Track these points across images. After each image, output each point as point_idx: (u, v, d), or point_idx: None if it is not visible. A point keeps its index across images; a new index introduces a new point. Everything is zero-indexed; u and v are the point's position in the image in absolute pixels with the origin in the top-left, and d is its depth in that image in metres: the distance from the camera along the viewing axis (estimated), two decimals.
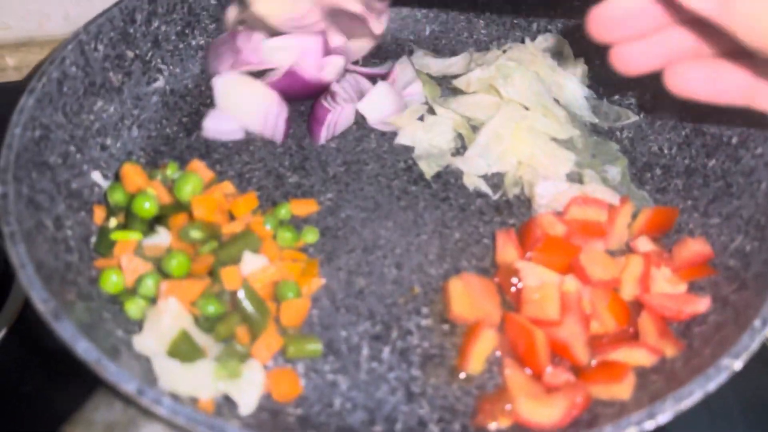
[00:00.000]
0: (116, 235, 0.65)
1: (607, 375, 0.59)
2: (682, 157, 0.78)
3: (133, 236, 0.65)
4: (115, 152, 0.77)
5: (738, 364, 0.51)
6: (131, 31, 0.80)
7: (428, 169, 0.79)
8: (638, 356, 0.60)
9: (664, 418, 0.48)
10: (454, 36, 0.96)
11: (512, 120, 0.80)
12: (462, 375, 0.63)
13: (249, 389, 0.57)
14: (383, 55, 0.93)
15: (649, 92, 0.83)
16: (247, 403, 0.57)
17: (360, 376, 0.63)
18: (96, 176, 0.73)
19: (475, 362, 0.63)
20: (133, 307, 0.62)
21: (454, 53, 0.94)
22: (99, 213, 0.70)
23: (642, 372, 0.60)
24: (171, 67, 0.85)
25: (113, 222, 0.68)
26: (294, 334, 0.64)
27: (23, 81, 1.09)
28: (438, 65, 0.91)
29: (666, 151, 0.80)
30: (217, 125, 0.81)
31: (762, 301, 0.55)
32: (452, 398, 0.62)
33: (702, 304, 0.62)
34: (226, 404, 0.58)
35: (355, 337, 0.66)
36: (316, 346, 0.63)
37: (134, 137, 0.80)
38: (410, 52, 0.93)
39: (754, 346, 0.51)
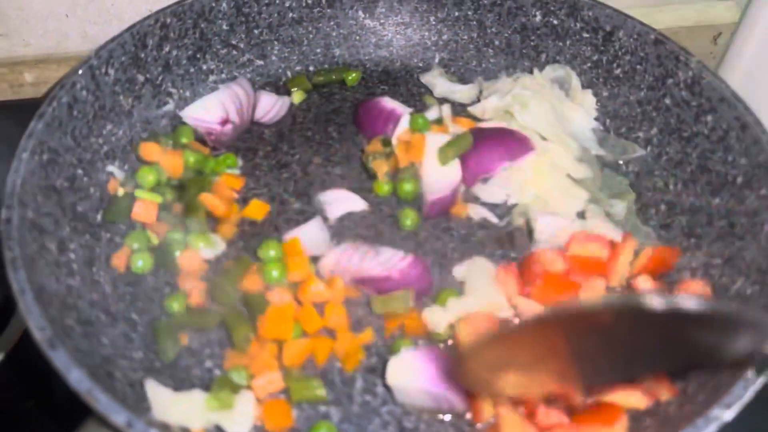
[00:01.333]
0: (139, 193, 0.72)
1: (601, 417, 0.59)
2: (687, 195, 0.78)
3: (153, 197, 0.73)
4: (121, 176, 0.78)
5: (729, 415, 0.50)
6: (142, 55, 0.81)
7: None
8: (633, 399, 0.60)
9: None
10: (463, 64, 0.96)
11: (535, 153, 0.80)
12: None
13: (240, 421, 0.58)
14: (392, 81, 0.94)
15: (656, 126, 0.83)
16: None
17: (353, 409, 0.63)
18: (113, 168, 0.76)
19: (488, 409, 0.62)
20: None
21: (462, 81, 0.94)
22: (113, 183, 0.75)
23: (636, 415, 0.60)
24: (181, 91, 0.87)
25: (121, 191, 0.75)
26: (297, 376, 0.63)
27: (40, 99, 1.11)
28: (444, 87, 0.91)
29: (671, 187, 0.80)
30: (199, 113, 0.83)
31: (759, 349, 0.54)
32: None
33: None
34: None
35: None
36: (320, 392, 0.62)
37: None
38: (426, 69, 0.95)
39: (747, 396, 0.51)
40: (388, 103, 0.86)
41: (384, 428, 0.62)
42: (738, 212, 0.71)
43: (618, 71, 0.87)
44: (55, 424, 0.51)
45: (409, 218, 0.77)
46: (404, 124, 0.81)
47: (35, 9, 1.08)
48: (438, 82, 0.92)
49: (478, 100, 0.90)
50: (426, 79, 0.92)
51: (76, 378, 0.49)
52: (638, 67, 0.85)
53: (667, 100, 0.82)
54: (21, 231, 0.60)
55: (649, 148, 0.84)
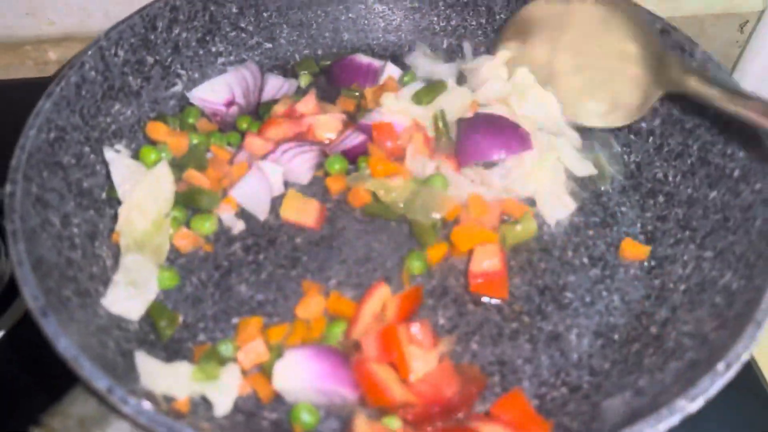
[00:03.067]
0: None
1: None
2: (686, 186, 0.77)
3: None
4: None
5: (693, 407, 0.51)
6: (152, 37, 0.84)
7: None
8: None
9: None
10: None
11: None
12: None
13: (225, 392, 0.60)
14: (400, 65, 0.94)
15: (660, 117, 0.82)
16: (223, 404, 0.60)
17: None
18: (119, 147, 0.79)
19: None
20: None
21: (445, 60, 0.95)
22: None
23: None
24: (190, 73, 0.89)
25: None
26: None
27: None
28: (427, 67, 0.92)
29: (671, 179, 0.79)
30: (206, 94, 0.86)
31: (733, 343, 0.55)
32: None
33: None
34: (203, 404, 0.61)
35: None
36: None
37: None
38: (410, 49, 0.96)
39: (714, 390, 0.51)
40: (363, 59, 0.90)
41: None
42: (733, 206, 0.71)
43: None
44: (52, 399, 0.53)
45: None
46: (383, 76, 0.87)
47: None
48: (420, 63, 0.93)
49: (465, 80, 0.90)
50: (409, 60, 0.93)
51: (64, 345, 0.52)
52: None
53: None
54: (24, 205, 0.63)
55: (651, 139, 0.83)
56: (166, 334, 0.67)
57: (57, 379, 0.53)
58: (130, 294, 0.66)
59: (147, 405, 0.50)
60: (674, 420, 0.50)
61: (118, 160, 0.74)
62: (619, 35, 0.80)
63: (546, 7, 0.84)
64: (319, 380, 0.61)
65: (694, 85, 0.71)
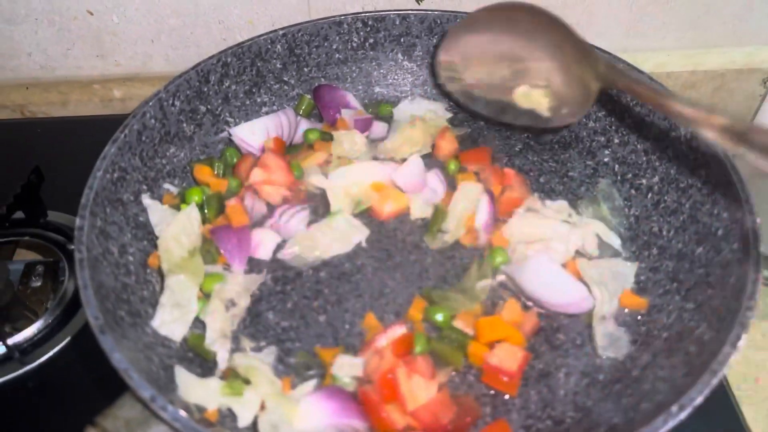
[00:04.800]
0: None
1: None
2: (677, 241, 0.84)
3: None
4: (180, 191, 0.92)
5: None
6: (205, 89, 0.95)
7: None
8: None
9: None
10: None
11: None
12: None
13: (248, 406, 0.70)
14: (429, 118, 1.04)
15: (658, 175, 0.90)
16: (245, 417, 0.70)
17: None
18: (169, 186, 0.90)
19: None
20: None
21: (487, 121, 1.04)
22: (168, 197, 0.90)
23: None
24: (237, 120, 1.00)
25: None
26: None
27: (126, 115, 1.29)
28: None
29: (664, 233, 0.86)
30: (244, 134, 0.97)
31: (688, 388, 0.62)
32: None
33: None
34: (229, 416, 0.70)
35: None
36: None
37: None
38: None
39: (665, 429, 0.58)
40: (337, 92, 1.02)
41: None
42: (714, 263, 0.77)
43: (629, 120, 0.94)
44: (105, 403, 0.64)
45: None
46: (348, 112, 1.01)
47: (126, 35, 1.25)
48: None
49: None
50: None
51: (117, 359, 0.63)
52: (646, 118, 0.92)
53: (670, 152, 0.89)
54: (90, 237, 0.74)
55: (649, 195, 0.90)
56: (209, 357, 0.77)
57: (110, 385, 0.63)
58: (174, 317, 0.76)
59: (182, 413, 0.60)
60: None
61: (153, 205, 0.85)
62: (551, 38, 0.86)
63: (476, 22, 0.91)
64: (333, 417, 0.70)
65: (619, 78, 0.79)
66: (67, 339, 0.89)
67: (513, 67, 0.90)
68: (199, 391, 0.69)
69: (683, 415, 0.59)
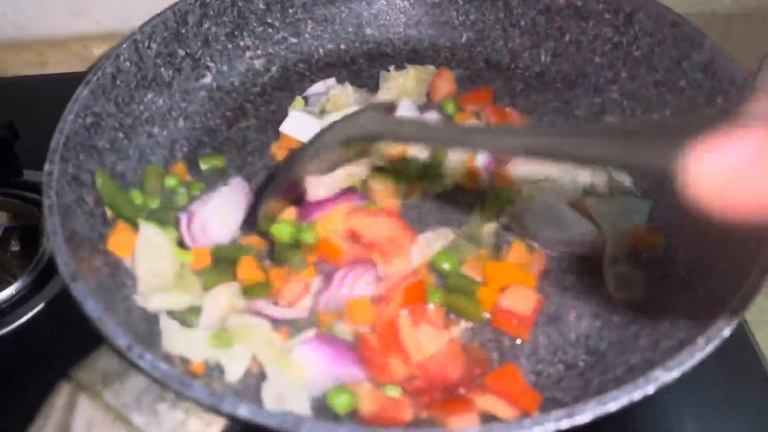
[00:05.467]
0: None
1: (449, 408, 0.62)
2: None
3: None
4: (160, 140, 0.87)
5: (669, 377, 0.53)
6: (183, 31, 0.89)
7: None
8: (499, 409, 0.62)
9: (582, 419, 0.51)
10: (489, 44, 0.99)
11: None
12: None
13: (237, 359, 0.65)
14: (419, 59, 0.98)
15: (670, 108, 0.84)
16: (234, 371, 0.65)
17: None
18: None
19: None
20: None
21: (487, 61, 0.98)
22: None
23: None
24: (218, 65, 0.94)
25: None
26: None
27: None
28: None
29: None
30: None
31: (715, 320, 0.57)
32: None
33: None
34: (217, 369, 0.65)
35: None
36: None
37: (180, 127, 0.89)
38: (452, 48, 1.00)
39: (691, 363, 0.53)
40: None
41: None
42: None
43: (637, 53, 0.88)
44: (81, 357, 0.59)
45: None
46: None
47: None
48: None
49: None
50: None
51: (91, 307, 0.57)
52: (656, 48, 0.86)
53: (682, 82, 0.83)
54: (60, 182, 0.68)
55: None
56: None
57: (91, 342, 0.58)
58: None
59: (162, 362, 0.55)
60: (650, 389, 0.52)
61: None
62: None
63: None
64: (330, 366, 0.65)
65: None
66: (46, 300, 0.84)
67: None
68: (184, 341, 0.64)
69: (710, 348, 0.54)
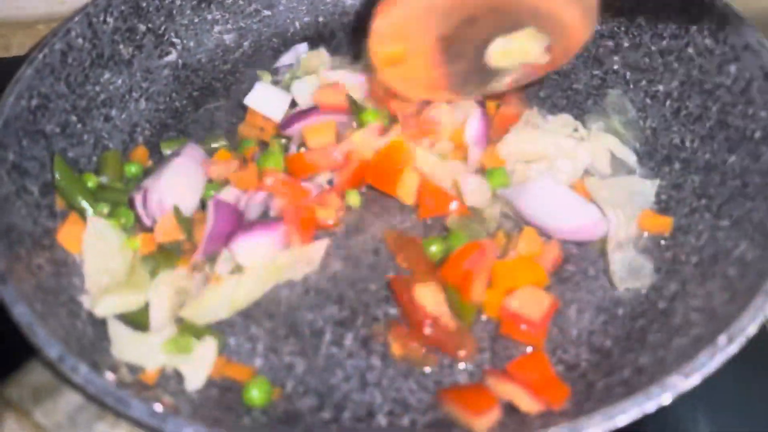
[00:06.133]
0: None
1: (472, 403, 0.55)
2: (703, 152, 0.71)
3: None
4: (119, 123, 0.79)
5: (688, 384, 0.46)
6: (144, 4, 0.81)
7: None
8: (524, 401, 0.55)
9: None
10: None
11: None
12: (424, 370, 0.61)
13: (198, 366, 0.58)
14: None
15: (677, 79, 0.76)
16: (195, 379, 0.58)
17: (317, 361, 0.62)
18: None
19: None
20: None
21: None
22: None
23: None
24: (185, 41, 0.87)
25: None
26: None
27: None
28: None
29: (687, 144, 0.73)
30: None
31: (739, 315, 0.49)
32: (407, 392, 0.60)
33: None
34: (175, 378, 0.58)
35: (320, 321, 0.65)
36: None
37: (141, 109, 0.82)
38: None
39: (712, 365, 0.46)
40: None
41: (346, 381, 0.61)
42: (752, 170, 0.65)
43: (640, 19, 0.80)
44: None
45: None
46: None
47: None
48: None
49: None
50: None
51: (19, 312, 0.50)
52: (661, 13, 0.78)
53: (690, 50, 0.75)
54: None
55: (668, 103, 0.77)
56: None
57: (17, 352, 0.51)
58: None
59: (98, 375, 0.47)
60: (665, 399, 0.45)
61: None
62: None
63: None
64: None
65: None
66: None
67: (473, 23, 0.68)
68: (136, 347, 0.57)
69: (734, 348, 0.47)
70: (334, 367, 0.62)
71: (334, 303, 0.66)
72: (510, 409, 0.55)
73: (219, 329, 0.63)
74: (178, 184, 0.69)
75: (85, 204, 0.67)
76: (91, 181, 0.70)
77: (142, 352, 0.57)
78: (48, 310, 0.54)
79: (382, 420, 0.58)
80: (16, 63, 1.11)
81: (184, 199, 0.69)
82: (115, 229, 0.65)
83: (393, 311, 0.65)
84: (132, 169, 0.75)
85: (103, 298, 0.60)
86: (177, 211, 0.67)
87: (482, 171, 0.73)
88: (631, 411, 0.44)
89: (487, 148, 0.74)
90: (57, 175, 0.68)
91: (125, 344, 0.57)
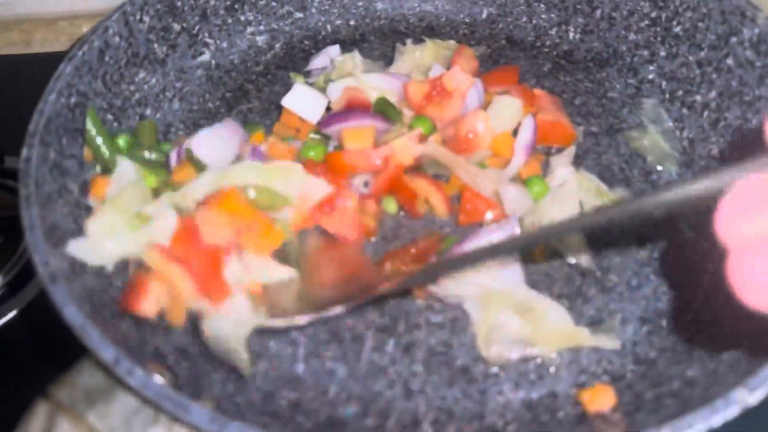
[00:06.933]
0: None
1: None
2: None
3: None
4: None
5: (753, 398, 0.45)
6: (179, 4, 0.81)
7: None
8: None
9: None
10: (512, 20, 0.91)
11: None
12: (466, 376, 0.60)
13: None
14: (436, 36, 0.90)
15: (716, 89, 0.76)
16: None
17: (360, 367, 0.62)
18: None
19: None
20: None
21: (510, 39, 0.90)
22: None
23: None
24: (218, 42, 0.86)
25: None
26: None
27: None
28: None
29: (728, 156, 0.73)
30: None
31: None
32: (451, 400, 0.59)
33: None
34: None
35: (361, 326, 0.64)
36: None
37: (175, 109, 0.81)
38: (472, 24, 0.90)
39: None
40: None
41: (390, 388, 0.60)
42: None
43: (678, 29, 0.80)
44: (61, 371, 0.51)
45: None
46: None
47: None
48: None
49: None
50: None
51: (71, 313, 0.50)
52: (700, 24, 0.78)
53: (730, 61, 0.75)
54: (40, 170, 0.60)
55: (706, 113, 0.77)
56: None
57: (67, 353, 0.50)
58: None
59: (156, 378, 0.47)
60: (731, 412, 0.44)
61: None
62: None
63: None
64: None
65: None
66: (29, 299, 0.76)
67: None
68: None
69: None
70: (376, 373, 0.61)
71: (375, 308, 0.65)
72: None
73: (259, 333, 0.62)
74: (212, 141, 0.71)
75: (111, 156, 0.69)
76: (123, 140, 0.71)
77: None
78: (95, 311, 0.53)
79: (427, 429, 0.57)
80: (38, 59, 1.12)
81: (216, 156, 0.70)
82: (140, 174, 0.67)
83: (434, 318, 0.64)
84: (167, 147, 0.75)
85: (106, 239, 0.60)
86: (189, 152, 0.69)
87: (517, 179, 0.73)
88: (698, 425, 0.44)
89: (535, 155, 0.73)
90: (88, 125, 0.69)
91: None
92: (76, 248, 0.58)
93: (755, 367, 0.48)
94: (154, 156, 0.72)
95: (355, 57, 0.83)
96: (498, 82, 0.83)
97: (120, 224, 0.60)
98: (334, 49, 0.86)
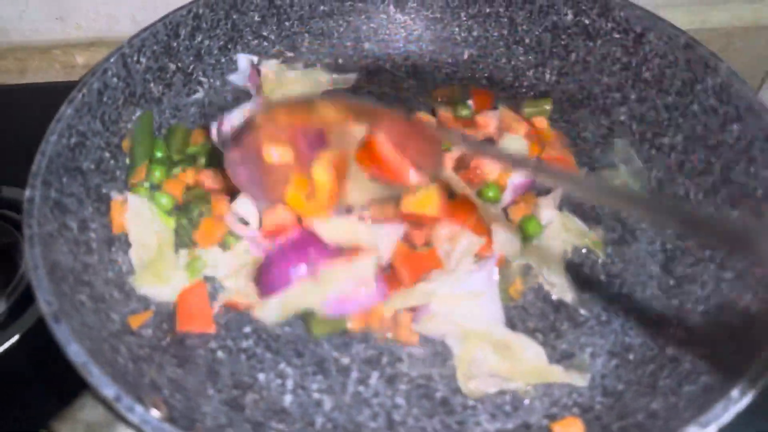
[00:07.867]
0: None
1: None
2: (707, 205, 0.76)
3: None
4: None
5: None
6: (174, 44, 0.84)
7: None
8: None
9: None
10: (492, 61, 0.96)
11: None
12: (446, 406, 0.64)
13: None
14: (420, 76, 0.94)
15: (682, 133, 0.81)
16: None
17: (345, 399, 0.65)
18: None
19: None
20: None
21: (490, 79, 0.94)
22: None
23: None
24: (211, 80, 0.90)
25: None
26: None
27: None
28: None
29: (692, 196, 0.78)
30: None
31: (748, 369, 0.53)
32: (431, 431, 0.63)
33: None
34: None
35: (347, 359, 0.68)
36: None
37: None
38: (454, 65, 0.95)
39: (727, 417, 0.50)
40: None
41: (373, 419, 0.63)
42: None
43: (647, 74, 0.85)
44: (62, 404, 0.54)
45: None
46: None
47: None
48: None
49: None
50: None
51: (74, 351, 0.53)
52: (667, 70, 0.83)
53: (695, 107, 0.80)
54: (42, 210, 0.64)
55: (672, 155, 0.82)
56: None
57: (68, 385, 0.53)
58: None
59: (154, 414, 0.50)
60: None
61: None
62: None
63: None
64: None
65: None
66: (23, 331, 0.79)
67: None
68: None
69: (746, 401, 0.51)
70: (361, 404, 0.65)
71: (360, 341, 0.69)
72: None
73: (250, 365, 0.66)
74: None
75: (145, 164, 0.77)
76: (160, 151, 0.78)
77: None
78: (95, 348, 0.56)
79: None
80: (32, 90, 1.15)
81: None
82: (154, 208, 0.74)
83: (416, 351, 0.68)
84: (193, 149, 0.81)
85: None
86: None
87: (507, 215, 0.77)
88: None
89: (525, 195, 0.78)
90: (138, 127, 0.78)
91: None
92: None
93: (709, 404, 0.52)
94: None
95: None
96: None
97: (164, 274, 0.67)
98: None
